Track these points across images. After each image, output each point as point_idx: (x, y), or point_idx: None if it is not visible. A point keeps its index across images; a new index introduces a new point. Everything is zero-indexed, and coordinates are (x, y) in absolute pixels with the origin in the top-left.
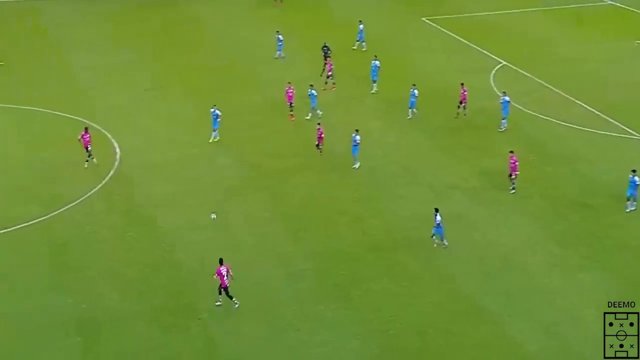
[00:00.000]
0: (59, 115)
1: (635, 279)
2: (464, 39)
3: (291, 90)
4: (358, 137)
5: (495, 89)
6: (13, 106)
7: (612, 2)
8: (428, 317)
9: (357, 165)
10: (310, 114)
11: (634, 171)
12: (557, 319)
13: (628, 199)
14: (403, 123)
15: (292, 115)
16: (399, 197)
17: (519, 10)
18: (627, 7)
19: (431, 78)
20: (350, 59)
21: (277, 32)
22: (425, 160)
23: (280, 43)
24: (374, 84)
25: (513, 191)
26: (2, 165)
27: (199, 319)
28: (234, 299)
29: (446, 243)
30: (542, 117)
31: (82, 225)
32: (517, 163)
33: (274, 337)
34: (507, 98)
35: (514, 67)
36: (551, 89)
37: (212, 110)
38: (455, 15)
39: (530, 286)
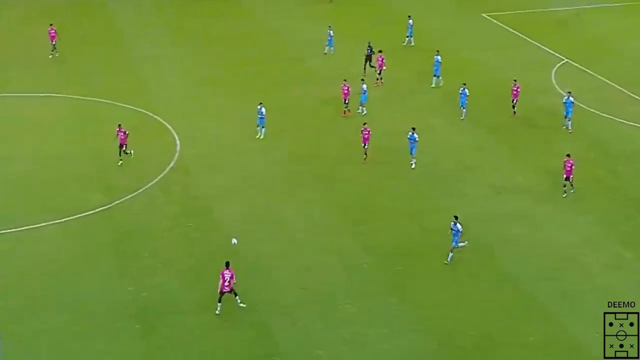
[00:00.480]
0: (121, 106)
1: None
2: (524, 35)
3: (347, 88)
4: (416, 135)
5: (556, 86)
6: (77, 97)
7: None
8: (486, 315)
9: (413, 163)
10: (360, 108)
11: None
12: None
13: None
14: (461, 119)
15: (347, 111)
16: (459, 195)
17: (582, 6)
18: None
19: (491, 74)
20: (404, 54)
21: (329, 27)
22: (484, 158)
23: (330, 38)
24: (434, 79)
25: (572, 191)
26: (67, 154)
27: (256, 310)
28: (237, 300)
29: (459, 246)
30: (605, 115)
31: (142, 215)
32: (573, 167)
33: (330, 330)
34: (571, 99)
35: (576, 64)
36: (615, 87)
37: (259, 108)
38: (515, 12)
39: (592, 287)
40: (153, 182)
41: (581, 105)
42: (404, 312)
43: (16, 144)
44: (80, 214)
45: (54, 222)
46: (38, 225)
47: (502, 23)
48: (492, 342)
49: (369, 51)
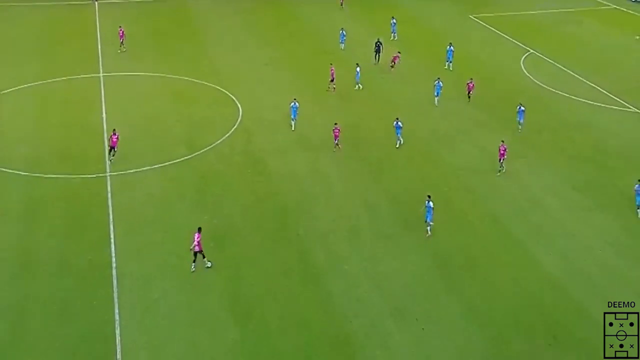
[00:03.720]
0: (198, 82)
1: (632, 222)
2: (502, 32)
3: (332, 70)
4: (400, 123)
5: (525, 71)
6: (167, 75)
7: (616, 6)
8: (472, 243)
9: (398, 144)
10: (357, 86)
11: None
12: (571, 247)
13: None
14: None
15: (333, 88)
16: (458, 151)
17: (556, 10)
18: (625, 10)
19: (476, 63)
20: (395, 47)
21: (342, 28)
22: (474, 127)
23: (343, 37)
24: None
25: (500, 172)
26: (160, 117)
27: (298, 234)
28: (205, 260)
29: (431, 225)
30: (562, 93)
31: (215, 164)
32: (506, 150)
33: (353, 251)
34: (522, 108)
35: (541, 55)
36: (570, 73)
37: (292, 104)
38: (496, 14)
39: (551, 221)
40: (222, 139)
41: (545, 86)
42: (410, 239)
43: (127, 109)
44: (170, 161)
45: (153, 167)
46: (145, 168)
47: (486, 23)
48: (474, 262)
49: (378, 45)
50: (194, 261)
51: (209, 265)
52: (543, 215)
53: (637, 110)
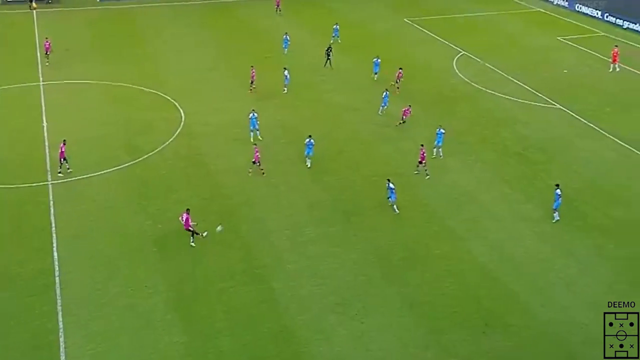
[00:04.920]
0: (141, 89)
1: (549, 206)
2: (435, 34)
3: (253, 72)
4: (312, 141)
5: (456, 70)
6: (109, 82)
7: (539, 9)
8: (411, 237)
9: (308, 164)
10: (285, 89)
11: (556, 185)
12: (503, 239)
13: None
14: (372, 86)
15: (253, 89)
16: (397, 150)
17: (484, 13)
18: (547, 12)
19: (411, 61)
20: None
21: (285, 33)
22: (413, 123)
23: (286, 42)
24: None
25: (419, 173)
26: (103, 124)
27: (241, 235)
28: (192, 239)
29: (395, 203)
30: (490, 91)
31: (159, 169)
32: (425, 154)
33: (298, 252)
34: (442, 130)
35: (471, 56)
36: (498, 72)
37: (251, 114)
38: (429, 17)
39: (484, 214)
40: (164, 144)
41: (475, 85)
42: (351, 235)
43: (68, 117)
44: (113, 168)
45: (96, 173)
46: (87, 175)
47: (420, 26)
48: (413, 255)
49: (328, 51)
50: (192, 235)
51: (193, 245)
52: (476, 209)
53: (561, 107)
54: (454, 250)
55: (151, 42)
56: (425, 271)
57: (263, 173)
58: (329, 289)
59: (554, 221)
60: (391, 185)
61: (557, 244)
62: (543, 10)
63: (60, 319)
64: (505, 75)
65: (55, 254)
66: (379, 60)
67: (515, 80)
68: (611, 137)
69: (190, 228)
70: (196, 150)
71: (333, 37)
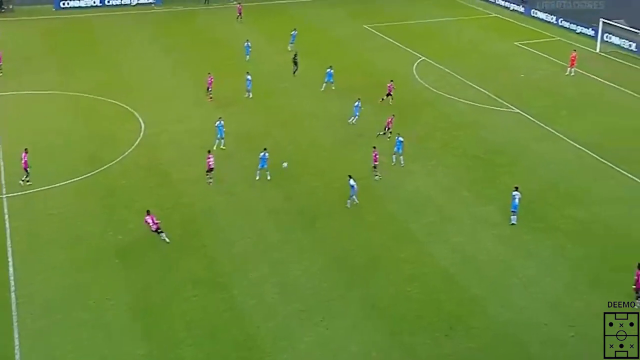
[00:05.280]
0: (99, 98)
1: (508, 210)
2: (394, 40)
3: (210, 79)
4: (266, 154)
5: (416, 76)
6: (66, 92)
7: (496, 15)
8: (373, 241)
9: (284, 165)
10: (249, 94)
11: (515, 187)
12: (463, 242)
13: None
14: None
15: (210, 98)
16: (353, 159)
17: (443, 19)
18: (505, 18)
19: (371, 68)
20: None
21: (247, 40)
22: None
23: (248, 49)
24: (325, 84)
25: (378, 178)
26: (60, 135)
27: (204, 244)
28: (163, 235)
29: (357, 200)
30: (449, 96)
31: (118, 179)
32: (377, 156)
33: (260, 260)
34: (401, 138)
35: (431, 61)
36: (457, 77)
37: (217, 122)
38: (387, 24)
39: (442, 218)
40: (124, 154)
41: (434, 90)
42: (314, 241)
43: (25, 128)
44: (74, 179)
45: (54, 185)
46: (45, 187)
47: (380, 32)
48: (375, 260)
49: (295, 59)
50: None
51: (168, 241)
52: (438, 213)
53: (519, 111)
54: (416, 254)
55: (110, 51)
56: (388, 276)
57: (210, 183)
58: (293, 295)
59: (510, 224)
60: (351, 181)
61: (517, 245)
62: (500, 16)
63: (16, 334)
64: (465, 80)
65: (11, 269)
66: (332, 70)
67: (474, 85)
68: (567, 140)
69: (158, 228)
70: (157, 160)
71: (291, 43)
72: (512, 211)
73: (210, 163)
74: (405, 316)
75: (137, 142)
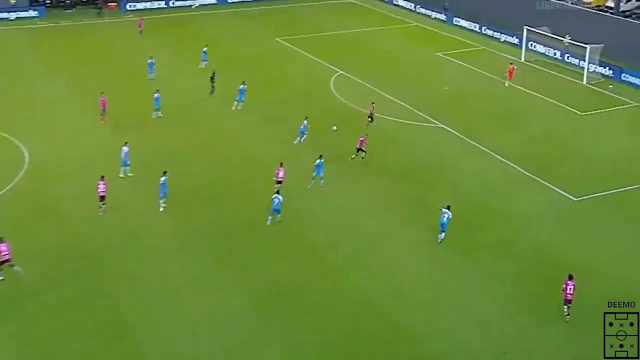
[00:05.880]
0: None
1: (435, 231)
2: (311, 54)
3: (103, 99)
4: (166, 179)
5: (334, 91)
6: None
7: (417, 23)
8: (293, 273)
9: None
10: (159, 113)
11: (447, 206)
12: (388, 266)
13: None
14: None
15: (104, 118)
16: (268, 179)
17: (359, 30)
18: (427, 27)
19: (285, 83)
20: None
21: (150, 57)
22: (288, 152)
23: (152, 66)
24: (236, 102)
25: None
26: None
27: (103, 283)
28: (15, 267)
29: (279, 217)
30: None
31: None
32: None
33: (167, 301)
34: (321, 160)
35: (348, 75)
36: (377, 91)
37: (123, 147)
38: (303, 35)
39: (369, 244)
40: (7, 188)
41: (354, 106)
42: (224, 279)
43: None
44: None
45: None
46: None
47: (294, 45)
48: (293, 294)
49: (212, 79)
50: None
51: (20, 270)
52: (359, 237)
53: (443, 126)
54: (337, 284)
55: None
56: (307, 309)
57: (101, 212)
58: (203, 340)
59: (439, 241)
60: (279, 196)
61: (446, 267)
62: (421, 25)
63: None
64: (385, 94)
65: None
66: (245, 86)
67: (395, 100)
68: (494, 154)
69: (8, 260)
70: (42, 193)
71: (203, 61)
72: (441, 229)
73: (100, 190)
74: (327, 351)
75: (19, 175)
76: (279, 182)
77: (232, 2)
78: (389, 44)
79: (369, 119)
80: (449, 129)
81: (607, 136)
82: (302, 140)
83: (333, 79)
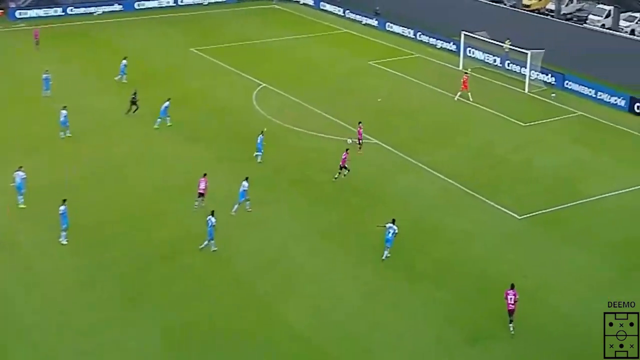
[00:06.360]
0: None
1: (381, 265)
2: (230, 66)
3: None
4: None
5: (256, 106)
6: None
7: (347, 30)
8: (215, 309)
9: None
10: (67, 132)
11: (392, 220)
12: (321, 298)
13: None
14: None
15: None
16: (182, 205)
17: (283, 38)
18: (358, 34)
19: (202, 98)
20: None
21: (46, 71)
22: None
23: (47, 82)
24: (159, 120)
25: (196, 206)
26: None
27: None
28: None
29: (214, 247)
30: (297, 129)
31: None
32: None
33: (65, 349)
34: (245, 184)
35: (272, 88)
36: (303, 105)
37: (16, 174)
38: (221, 45)
39: (299, 272)
40: None
41: (279, 122)
42: (137, 319)
43: None
44: None
45: None
46: None
47: (211, 56)
48: (216, 331)
49: (134, 97)
50: None
51: None
52: (290, 267)
53: (377, 141)
54: (265, 317)
55: None
56: (232, 347)
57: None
58: None
59: (383, 258)
60: (212, 219)
61: (382, 296)
62: (352, 32)
63: None
64: (313, 108)
65: None
66: (169, 103)
67: (324, 114)
68: (432, 171)
69: None
70: None
71: (120, 75)
72: (386, 246)
73: None
74: None
75: None
76: (201, 195)
77: (140, 9)
78: (316, 53)
79: (358, 142)
80: (383, 145)
81: (551, 148)
82: (261, 158)
83: (255, 92)
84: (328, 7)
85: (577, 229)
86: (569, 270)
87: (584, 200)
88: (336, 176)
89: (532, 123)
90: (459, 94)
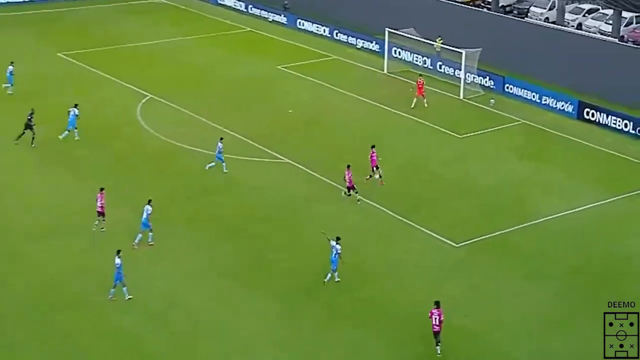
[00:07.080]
0: None
1: (298, 308)
2: (109, 74)
3: None
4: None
5: (141, 120)
6: None
7: (251, 29)
8: None
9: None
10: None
11: (336, 238)
12: (230, 351)
13: None
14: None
15: None
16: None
17: (173, 40)
18: (264, 33)
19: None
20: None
21: None
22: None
23: None
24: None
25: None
26: None
27: None
28: None
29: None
30: (195, 149)
31: None
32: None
33: None
34: (150, 210)
35: (160, 99)
36: (197, 118)
37: None
38: (95, 49)
39: (194, 324)
40: None
41: (169, 140)
42: None
43: None
44: None
45: None
46: None
47: (84, 63)
48: None
49: (30, 118)
50: None
51: None
52: (185, 316)
53: (289, 160)
54: None
55: None
56: None
57: None
58: None
59: (326, 280)
60: (118, 260)
61: (298, 344)
62: (257, 31)
63: None
64: (211, 122)
65: None
66: (77, 111)
67: (224, 129)
68: (353, 194)
69: None
70: None
71: (7, 85)
72: (331, 268)
73: None
74: None
75: None
76: (101, 214)
77: None
78: (214, 57)
79: (373, 170)
80: (296, 164)
81: (491, 163)
82: (212, 165)
83: (140, 105)
84: (227, 1)
85: (523, 256)
86: (516, 305)
87: (531, 223)
88: (347, 193)
89: (469, 134)
90: (414, 100)
